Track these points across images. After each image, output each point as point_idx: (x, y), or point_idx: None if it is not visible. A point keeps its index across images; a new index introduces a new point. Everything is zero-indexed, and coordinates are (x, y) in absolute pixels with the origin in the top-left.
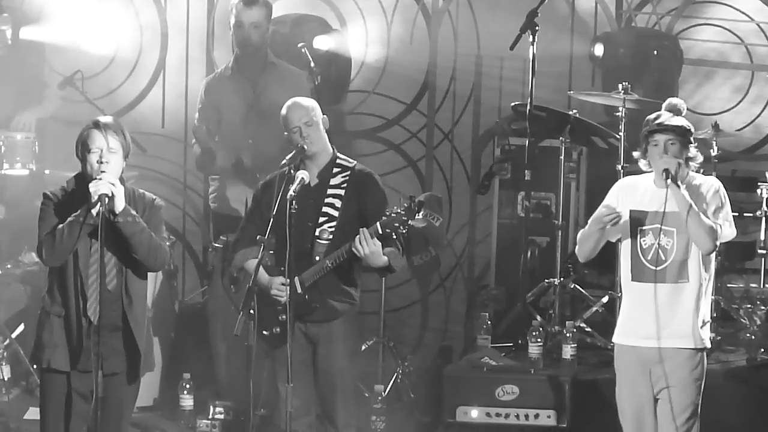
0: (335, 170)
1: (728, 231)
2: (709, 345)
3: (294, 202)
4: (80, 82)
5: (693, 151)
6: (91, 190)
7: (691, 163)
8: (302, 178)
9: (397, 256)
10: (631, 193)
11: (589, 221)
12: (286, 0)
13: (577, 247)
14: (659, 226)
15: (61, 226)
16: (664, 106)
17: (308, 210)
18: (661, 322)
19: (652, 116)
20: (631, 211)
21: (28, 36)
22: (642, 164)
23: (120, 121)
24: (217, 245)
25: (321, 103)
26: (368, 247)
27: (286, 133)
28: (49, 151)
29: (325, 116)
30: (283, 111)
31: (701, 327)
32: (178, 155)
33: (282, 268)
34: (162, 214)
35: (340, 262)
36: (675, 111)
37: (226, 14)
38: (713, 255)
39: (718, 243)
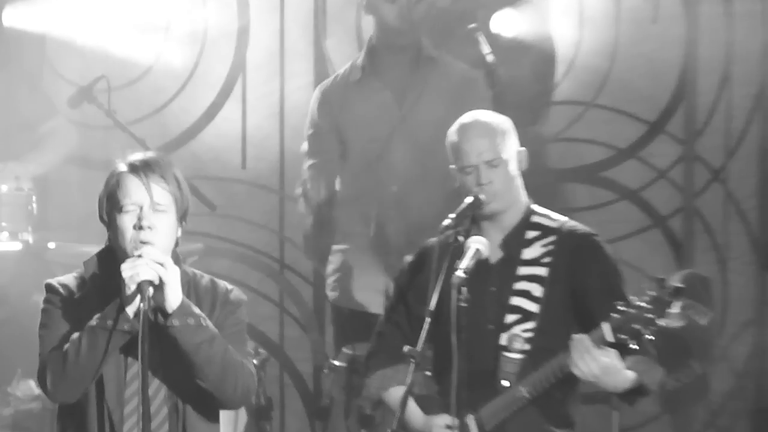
0: (531, 234)
1: None
2: None
3: (464, 289)
4: (105, 96)
5: None
6: (124, 275)
7: None
8: (477, 249)
9: (653, 368)
10: None
11: None
12: None
13: None
14: None
15: (76, 336)
16: None
17: (488, 303)
18: None
19: None
20: None
21: (15, 22)
22: None
23: (170, 159)
24: (336, 363)
25: None
26: (594, 362)
27: (453, 167)
28: (55, 211)
29: (523, 149)
30: (453, 136)
31: None
32: (270, 214)
33: (447, 401)
34: (244, 313)
35: (545, 389)
36: None
37: None
38: None
39: None
